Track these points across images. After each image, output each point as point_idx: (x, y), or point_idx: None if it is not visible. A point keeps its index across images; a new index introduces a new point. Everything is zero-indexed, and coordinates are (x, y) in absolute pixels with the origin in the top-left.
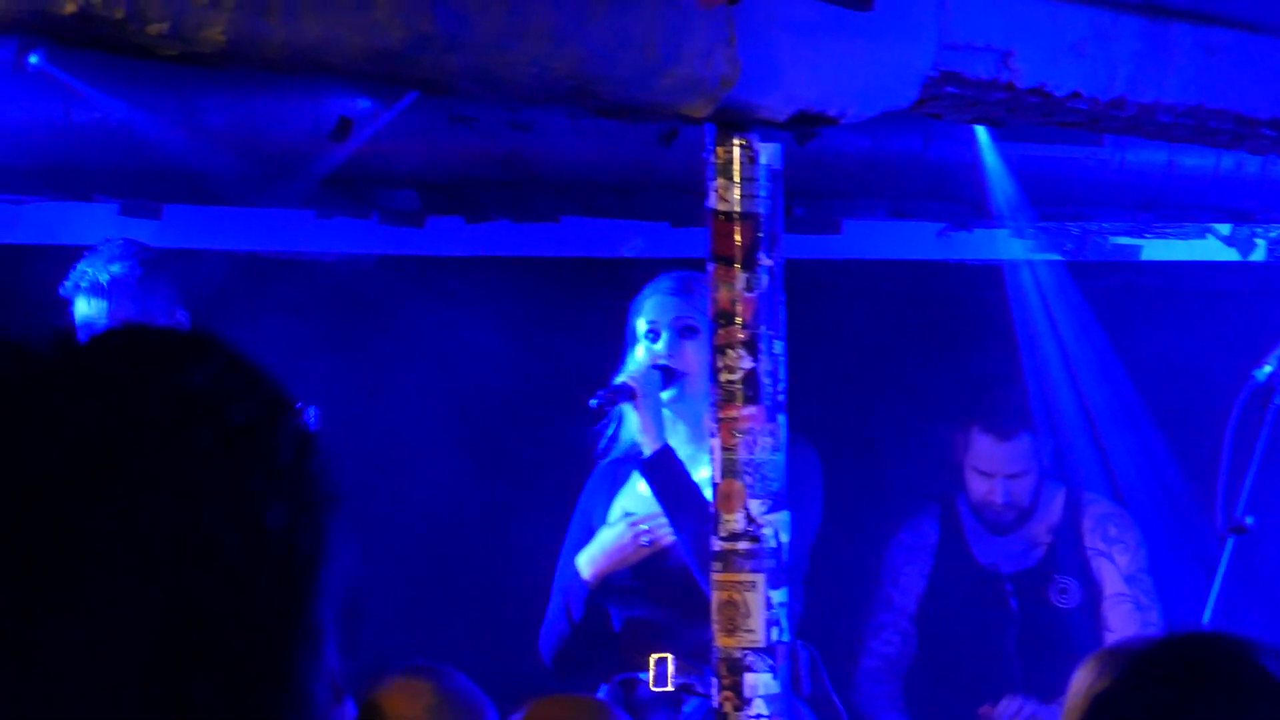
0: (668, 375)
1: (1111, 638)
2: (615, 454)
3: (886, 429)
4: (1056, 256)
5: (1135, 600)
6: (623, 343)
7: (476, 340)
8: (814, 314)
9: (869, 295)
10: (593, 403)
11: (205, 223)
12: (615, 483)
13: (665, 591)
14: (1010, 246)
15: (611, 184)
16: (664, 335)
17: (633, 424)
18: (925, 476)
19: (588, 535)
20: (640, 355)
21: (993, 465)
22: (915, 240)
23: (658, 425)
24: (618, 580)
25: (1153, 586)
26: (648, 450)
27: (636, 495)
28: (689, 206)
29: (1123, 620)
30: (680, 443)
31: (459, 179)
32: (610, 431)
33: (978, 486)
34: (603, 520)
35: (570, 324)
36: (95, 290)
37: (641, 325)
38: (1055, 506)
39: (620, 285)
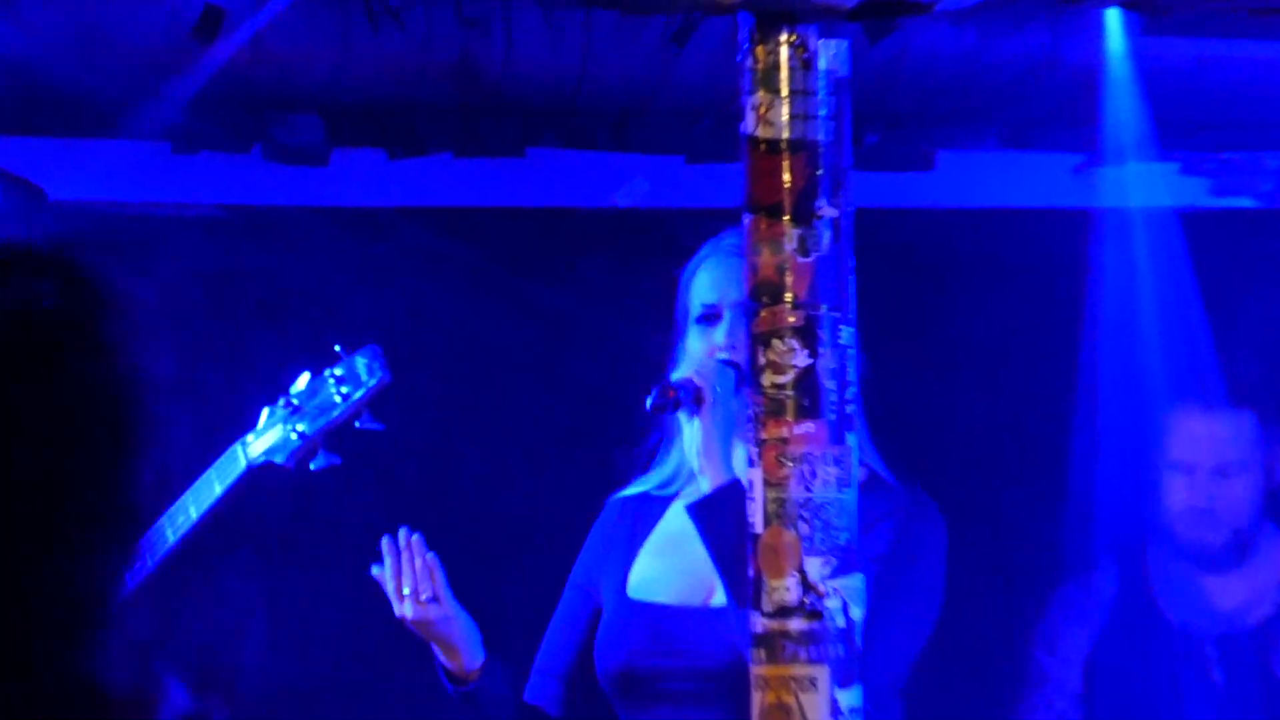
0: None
1: None
2: (641, 487)
3: (1026, 457)
4: (1248, 201)
5: None
6: (650, 330)
7: (400, 328)
8: (898, 286)
9: (976, 258)
10: (648, 404)
11: (14, 162)
12: (634, 533)
13: (712, 689)
14: (1176, 187)
15: (600, 104)
16: (726, 318)
17: (691, 442)
18: (1095, 521)
19: (586, 601)
20: (695, 345)
21: (1195, 451)
22: (1040, 180)
23: (726, 446)
24: (638, 671)
25: None
26: (707, 484)
27: (666, 552)
28: (712, 134)
29: None
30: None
31: (381, 98)
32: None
33: (1175, 491)
34: (617, 587)
35: (535, 304)
36: None
37: (695, 304)
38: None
39: (612, 248)
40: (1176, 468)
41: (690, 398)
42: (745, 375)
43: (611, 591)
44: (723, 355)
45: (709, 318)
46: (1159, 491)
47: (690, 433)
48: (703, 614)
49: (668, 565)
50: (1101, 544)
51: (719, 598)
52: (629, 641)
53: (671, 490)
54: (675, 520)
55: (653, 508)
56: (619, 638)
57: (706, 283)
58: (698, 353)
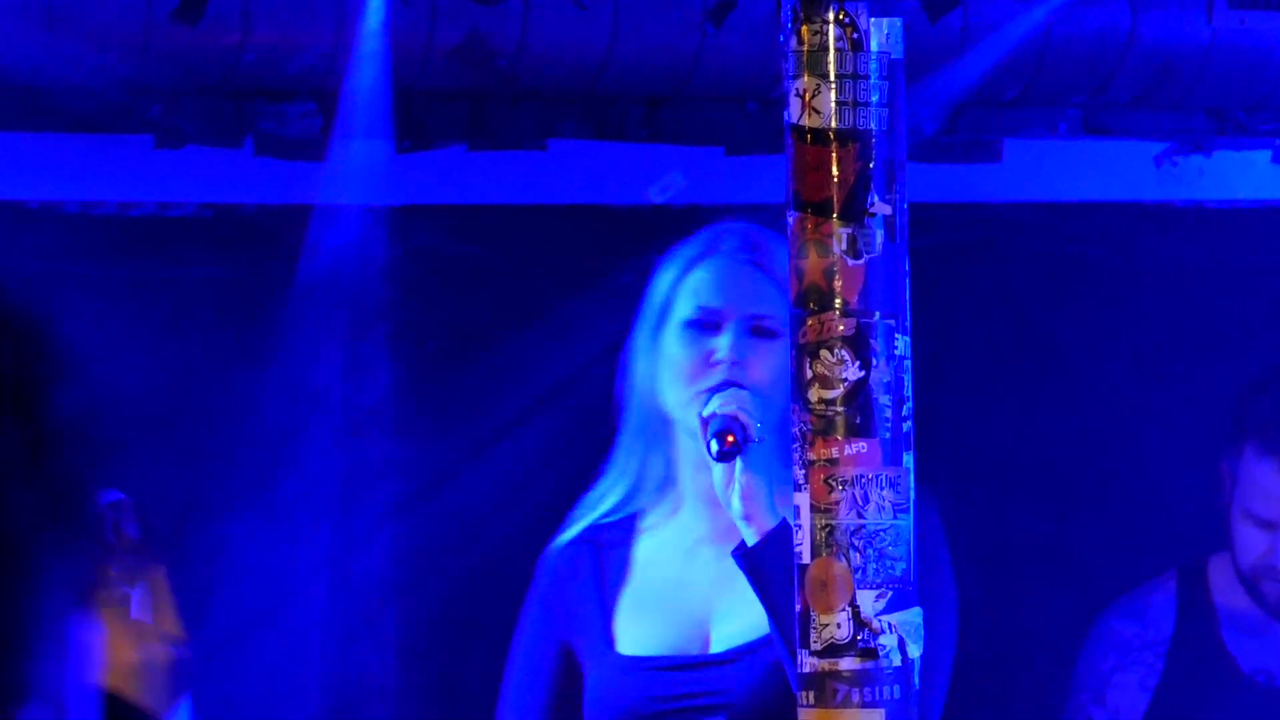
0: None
1: None
2: (587, 519)
3: (1087, 466)
4: None
5: None
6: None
7: (408, 338)
8: (959, 291)
9: (1048, 259)
10: (713, 451)
11: None
12: (603, 579)
13: None
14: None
15: (629, 90)
16: (729, 330)
17: (734, 486)
18: (1153, 531)
19: (550, 658)
20: (678, 350)
21: (1276, 506)
22: (1120, 170)
23: (769, 487)
24: None
25: None
26: (752, 532)
27: (653, 598)
28: (754, 123)
29: None
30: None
31: (384, 84)
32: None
33: (1252, 542)
34: (602, 644)
35: (559, 312)
36: None
37: (685, 307)
38: None
39: (644, 250)
40: (1253, 519)
41: (744, 439)
42: (766, 400)
43: (595, 650)
44: (721, 375)
45: (706, 325)
46: (1230, 533)
47: (734, 475)
48: (702, 661)
49: (657, 613)
50: (1160, 558)
51: (719, 644)
52: (628, 701)
53: (621, 515)
54: (652, 559)
55: (613, 545)
56: (615, 699)
57: (707, 283)
58: (681, 359)
